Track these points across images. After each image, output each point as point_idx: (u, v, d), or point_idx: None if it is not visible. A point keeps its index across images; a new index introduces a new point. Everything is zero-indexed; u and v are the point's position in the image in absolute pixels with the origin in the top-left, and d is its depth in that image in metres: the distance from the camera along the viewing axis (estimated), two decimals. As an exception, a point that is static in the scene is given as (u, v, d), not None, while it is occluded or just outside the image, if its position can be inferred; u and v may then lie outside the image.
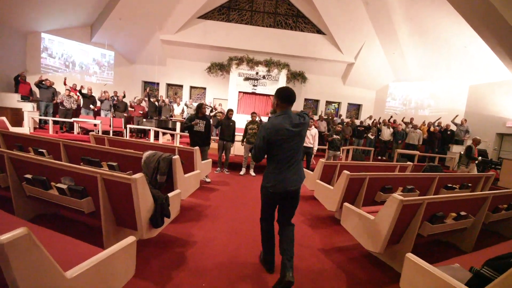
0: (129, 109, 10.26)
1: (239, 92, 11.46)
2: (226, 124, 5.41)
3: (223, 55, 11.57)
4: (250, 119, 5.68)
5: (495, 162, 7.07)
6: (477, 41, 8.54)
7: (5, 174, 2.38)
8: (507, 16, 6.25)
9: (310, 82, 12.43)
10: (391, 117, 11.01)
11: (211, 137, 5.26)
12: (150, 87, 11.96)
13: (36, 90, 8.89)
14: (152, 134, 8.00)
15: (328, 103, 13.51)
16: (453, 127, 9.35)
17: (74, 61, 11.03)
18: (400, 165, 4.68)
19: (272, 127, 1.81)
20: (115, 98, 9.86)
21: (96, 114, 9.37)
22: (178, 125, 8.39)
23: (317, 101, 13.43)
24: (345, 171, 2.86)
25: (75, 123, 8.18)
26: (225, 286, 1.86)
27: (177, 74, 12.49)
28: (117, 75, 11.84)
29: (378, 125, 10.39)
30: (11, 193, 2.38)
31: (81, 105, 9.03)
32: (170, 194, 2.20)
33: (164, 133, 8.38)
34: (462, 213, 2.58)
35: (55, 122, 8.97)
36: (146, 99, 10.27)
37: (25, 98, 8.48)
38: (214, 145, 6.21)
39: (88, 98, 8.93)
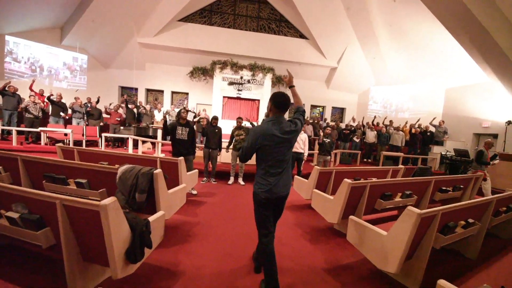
0: (105, 115, 9.56)
1: (224, 97, 11.12)
2: (211, 131, 5.07)
3: (206, 59, 11.21)
4: (236, 124, 5.40)
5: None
6: (452, 45, 8.93)
7: None
8: (483, 20, 6.53)
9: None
10: (374, 118, 11.21)
11: (196, 144, 4.90)
12: (128, 92, 11.29)
13: (-1, 98, 8.00)
14: (130, 143, 7.43)
15: (313, 107, 13.56)
16: (432, 129, 9.66)
17: (42, 66, 10.12)
18: (393, 169, 4.60)
19: (261, 131, 1.83)
20: (88, 105, 9.13)
21: (67, 122, 8.60)
22: (159, 132, 7.88)
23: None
24: (346, 180, 2.65)
25: (42, 133, 7.41)
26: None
27: (157, 79, 11.92)
28: (91, 80, 11.04)
29: (363, 128, 10.51)
30: None
31: (50, 113, 8.23)
32: (151, 218, 1.83)
33: (144, 142, 7.82)
34: (470, 220, 2.45)
35: (19, 133, 8.10)
36: (123, 105, 9.63)
37: (-15, 107, 7.59)
38: (199, 153, 5.83)
39: (58, 105, 8.16)
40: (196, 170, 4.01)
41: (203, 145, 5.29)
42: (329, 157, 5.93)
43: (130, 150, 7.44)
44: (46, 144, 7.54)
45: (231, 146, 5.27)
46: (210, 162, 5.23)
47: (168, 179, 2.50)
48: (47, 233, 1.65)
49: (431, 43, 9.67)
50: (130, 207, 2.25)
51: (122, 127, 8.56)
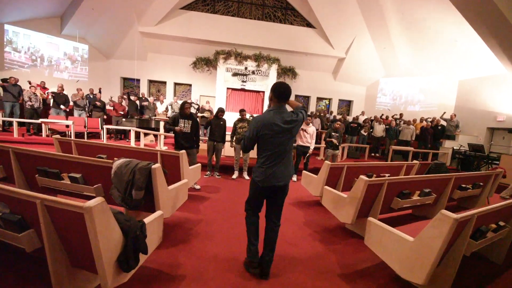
0: (108, 108, 9.39)
1: (227, 88, 10.82)
2: (215, 124, 4.85)
3: (209, 49, 10.87)
4: (240, 116, 5.15)
5: (491, 157, 6.96)
6: (467, 35, 8.46)
7: None
8: (502, 7, 6.09)
9: (300, 78, 12.01)
10: (383, 114, 10.84)
11: (200, 138, 4.68)
12: (130, 84, 11.07)
13: (-1, 89, 7.87)
14: (132, 135, 7.25)
15: (319, 99, 13.18)
16: (443, 123, 9.29)
17: (43, 56, 9.94)
18: (407, 165, 4.34)
19: (262, 120, 1.84)
20: (91, 96, 8.94)
21: (69, 114, 8.44)
22: (162, 124, 7.67)
23: (308, 98, 13.06)
24: (363, 177, 2.41)
25: (43, 125, 7.27)
26: None
27: (159, 69, 11.64)
28: (92, 71, 10.83)
29: (370, 122, 10.18)
30: None
31: (51, 104, 8.08)
32: (148, 219, 1.63)
33: (146, 134, 7.65)
34: (501, 223, 2.21)
35: (21, 124, 7.99)
36: (125, 97, 9.43)
37: (-15, 98, 7.47)
38: (203, 146, 5.62)
39: (59, 96, 7.98)
40: (199, 164, 3.81)
41: (207, 138, 5.07)
42: (337, 151, 5.68)
43: (132, 142, 7.27)
44: (47, 135, 7.40)
45: (234, 139, 5.04)
46: (214, 155, 5.03)
47: (167, 174, 2.30)
48: (30, 235, 1.46)
49: (445, 32, 9.18)
50: (126, 205, 2.05)
51: (124, 119, 8.38)
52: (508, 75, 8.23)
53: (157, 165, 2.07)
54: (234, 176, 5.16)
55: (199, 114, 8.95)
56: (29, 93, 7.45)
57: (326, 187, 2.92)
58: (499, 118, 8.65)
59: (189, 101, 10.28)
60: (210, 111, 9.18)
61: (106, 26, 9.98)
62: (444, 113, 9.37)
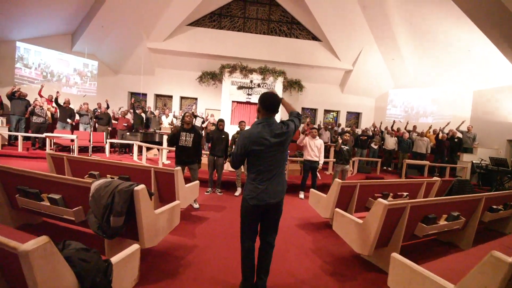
0: (113, 121, 9.39)
1: (233, 101, 10.71)
2: (217, 137, 4.60)
3: (215, 63, 10.91)
4: (239, 129, 4.91)
5: (517, 172, 6.38)
6: (481, 43, 8.13)
7: None
8: (519, 14, 5.78)
9: (307, 91, 11.82)
10: (394, 122, 10.38)
11: (202, 152, 4.43)
12: (135, 97, 11.14)
13: (8, 103, 8.00)
14: (135, 149, 7.12)
15: (327, 111, 12.89)
16: (460, 135, 8.77)
17: (53, 71, 10.18)
18: (427, 181, 3.92)
19: (250, 136, 1.71)
20: (98, 110, 8.99)
21: (74, 128, 8.45)
22: (165, 138, 7.52)
23: (315, 110, 12.80)
24: (381, 200, 2.06)
25: (47, 139, 7.23)
26: None
27: (166, 84, 11.73)
28: (101, 86, 11.00)
29: (381, 134, 9.74)
30: None
31: (57, 118, 8.11)
32: (117, 257, 1.33)
33: (149, 148, 7.49)
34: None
35: (26, 138, 8.02)
36: (132, 110, 9.43)
37: (-6, 112, 7.58)
38: (205, 160, 5.36)
39: (65, 110, 8.02)
40: (197, 182, 3.53)
41: (208, 152, 4.82)
42: (348, 166, 5.30)
43: (135, 157, 7.12)
44: (51, 150, 7.35)
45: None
46: (215, 171, 4.75)
47: (154, 195, 2.01)
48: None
49: (456, 41, 8.87)
50: (102, 234, 1.77)
51: (128, 133, 8.30)
52: (528, 84, 7.77)
53: (140, 187, 1.79)
54: (237, 193, 4.84)
55: (203, 126, 8.79)
56: (33, 108, 7.48)
57: (338, 209, 2.56)
58: (521, 130, 8.08)
59: (194, 113, 10.21)
60: (214, 124, 9.02)
61: (115, 42, 10.21)
62: (463, 122, 8.85)
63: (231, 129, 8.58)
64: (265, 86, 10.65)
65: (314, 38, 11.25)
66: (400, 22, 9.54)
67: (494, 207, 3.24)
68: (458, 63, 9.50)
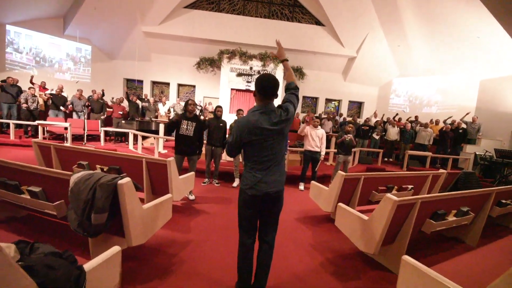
0: (108, 109, 9.13)
1: (232, 89, 10.40)
2: (214, 126, 4.40)
3: (213, 49, 10.49)
4: (236, 117, 4.69)
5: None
6: (490, 30, 7.77)
7: None
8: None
9: (308, 79, 11.48)
10: (397, 114, 10.15)
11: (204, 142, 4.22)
12: (130, 84, 10.81)
13: (-3, 89, 7.70)
14: (131, 138, 6.91)
15: (328, 100, 12.58)
16: (465, 125, 8.56)
17: (45, 56, 9.79)
18: (433, 174, 3.75)
19: (246, 124, 1.55)
20: (91, 97, 8.71)
21: (68, 116, 8.20)
22: (161, 127, 7.30)
23: (316, 99, 12.49)
24: (390, 196, 1.89)
25: (39, 127, 7.01)
26: None
27: (163, 70, 11.34)
28: (95, 72, 10.63)
29: (383, 124, 9.52)
30: None
31: (49, 106, 7.85)
32: (94, 262, 1.16)
33: (145, 137, 7.28)
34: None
35: (18, 126, 7.80)
36: (126, 96, 9.16)
37: (-16, 99, 7.30)
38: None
39: (58, 98, 7.75)
40: (193, 173, 3.35)
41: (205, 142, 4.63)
42: (350, 156, 5.13)
43: (131, 145, 6.93)
44: (44, 138, 7.14)
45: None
46: (213, 161, 4.58)
47: (142, 189, 1.84)
48: None
49: (465, 28, 8.47)
50: (84, 232, 1.60)
51: (123, 121, 8.07)
52: (539, 73, 7.47)
53: (124, 180, 1.61)
54: (235, 184, 4.69)
55: (200, 115, 8.55)
56: (26, 95, 7.23)
57: (341, 204, 2.40)
58: (527, 121, 7.86)
59: (193, 100, 9.92)
60: (212, 112, 8.78)
61: (109, 26, 9.76)
62: (468, 113, 8.63)
63: (229, 118, 8.36)
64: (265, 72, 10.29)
65: (318, 22, 10.78)
66: (408, 6, 9.08)
67: (503, 201, 3.10)
68: (466, 51, 9.13)
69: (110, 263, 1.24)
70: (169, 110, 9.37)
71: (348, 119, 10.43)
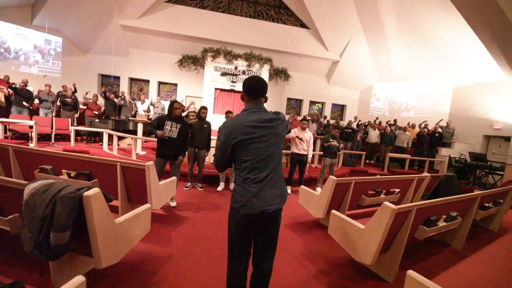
0: (81, 107, 8.47)
1: (216, 89, 10.11)
2: (198, 126, 4.14)
3: (196, 46, 10.15)
4: (225, 119, 4.48)
5: (494, 167, 6.61)
6: (465, 39, 8.23)
7: None
8: (509, 13, 5.79)
9: (293, 81, 11.49)
10: (377, 118, 10.47)
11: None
12: (107, 81, 10.15)
13: None
14: (105, 138, 6.41)
15: (312, 103, 12.70)
16: (440, 130, 9.01)
17: (9, 48, 8.88)
18: (418, 177, 3.80)
19: (235, 123, 1.36)
20: (63, 93, 8.01)
21: (34, 113, 7.48)
22: (140, 126, 6.86)
23: (300, 101, 12.55)
24: (388, 204, 1.79)
25: (0, 125, 6.29)
26: None
27: (142, 67, 10.77)
28: (67, 66, 9.84)
29: (364, 127, 9.77)
30: None
31: (13, 102, 7.09)
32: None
33: (122, 137, 6.81)
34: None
35: (-26, 124, 6.96)
36: (102, 95, 8.56)
37: None
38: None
39: (21, 94, 7.02)
40: (175, 178, 3.09)
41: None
42: (336, 159, 5.11)
43: (105, 147, 6.43)
44: (6, 138, 6.43)
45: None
46: (196, 164, 4.32)
47: (113, 199, 1.59)
48: None
49: (442, 36, 8.92)
50: (40, 254, 1.32)
51: (97, 120, 7.50)
52: (506, 82, 8.02)
53: (91, 192, 1.35)
54: (220, 188, 4.46)
55: (183, 115, 8.18)
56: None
57: (335, 212, 2.28)
58: (495, 126, 8.41)
59: (179, 100, 9.50)
60: (195, 112, 8.45)
61: (82, 17, 9.06)
62: (441, 120, 9.13)
63: (213, 118, 8.07)
64: (250, 73, 10.13)
65: (302, 25, 10.82)
66: (389, 13, 9.39)
67: (486, 204, 3.18)
68: (442, 59, 9.63)
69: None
70: (148, 108, 8.89)
71: (332, 121, 10.57)
